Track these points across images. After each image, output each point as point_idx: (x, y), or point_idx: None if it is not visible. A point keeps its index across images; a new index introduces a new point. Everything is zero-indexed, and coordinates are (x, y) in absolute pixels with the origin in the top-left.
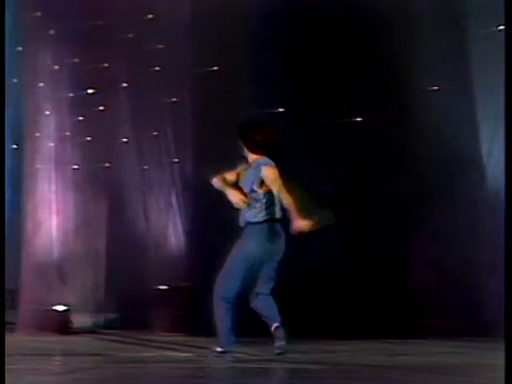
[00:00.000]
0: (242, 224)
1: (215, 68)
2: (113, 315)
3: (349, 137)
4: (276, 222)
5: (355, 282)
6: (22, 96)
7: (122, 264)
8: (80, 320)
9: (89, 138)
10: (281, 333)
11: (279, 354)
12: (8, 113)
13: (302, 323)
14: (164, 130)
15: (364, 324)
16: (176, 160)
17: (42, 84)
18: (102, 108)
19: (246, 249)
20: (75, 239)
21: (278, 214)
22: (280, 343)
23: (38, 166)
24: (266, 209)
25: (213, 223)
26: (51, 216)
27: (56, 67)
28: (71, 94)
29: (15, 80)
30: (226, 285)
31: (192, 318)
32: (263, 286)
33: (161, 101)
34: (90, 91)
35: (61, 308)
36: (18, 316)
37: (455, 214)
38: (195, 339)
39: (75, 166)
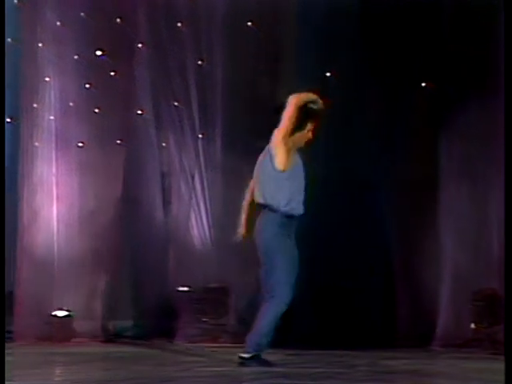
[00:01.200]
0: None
1: (249, 23)
2: (125, 322)
3: None
4: None
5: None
6: (18, 58)
7: (137, 262)
8: (84, 327)
9: (97, 110)
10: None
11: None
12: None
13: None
14: (187, 100)
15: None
16: (201, 135)
17: (40, 44)
18: (112, 73)
19: None
20: (80, 232)
21: None
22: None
23: (36, 143)
24: None
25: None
26: (51, 203)
27: (58, 23)
28: (76, 56)
29: (9, 39)
30: None
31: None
32: None
33: (184, 64)
34: (98, 53)
35: (62, 313)
36: (14, 323)
37: None
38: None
39: (80, 144)
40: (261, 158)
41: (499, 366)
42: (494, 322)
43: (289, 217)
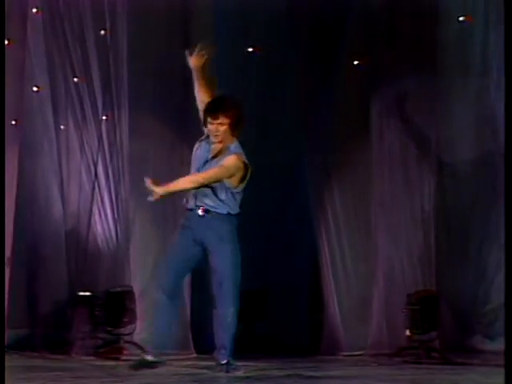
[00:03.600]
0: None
1: None
2: (20, 331)
3: None
4: None
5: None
6: None
7: (31, 266)
8: None
9: None
10: None
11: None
12: None
13: None
14: (89, 74)
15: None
16: (104, 117)
17: None
18: (5, 42)
19: None
20: None
21: None
22: None
23: None
24: None
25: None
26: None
27: None
28: None
29: None
30: None
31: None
32: None
33: (85, 31)
34: None
35: None
36: None
37: None
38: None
39: None
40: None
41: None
42: (430, 328)
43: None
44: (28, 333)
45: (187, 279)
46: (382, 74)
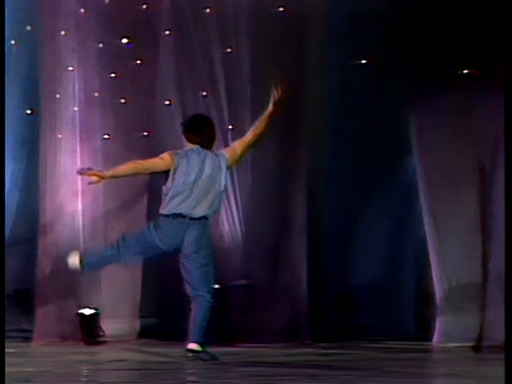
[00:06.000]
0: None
1: (281, 9)
2: (152, 321)
3: None
4: None
5: None
6: (38, 47)
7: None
8: (111, 326)
9: (122, 101)
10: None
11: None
12: (21, 70)
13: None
14: (216, 89)
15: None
16: (230, 127)
17: (63, 32)
18: (138, 62)
19: None
20: (105, 228)
21: None
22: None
23: (59, 135)
24: None
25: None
26: (76, 198)
27: (82, 10)
28: (100, 45)
29: (28, 28)
30: None
31: (249, 323)
32: None
33: (211, 52)
34: (124, 40)
35: (88, 312)
36: (34, 322)
37: None
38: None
39: (106, 136)
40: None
41: None
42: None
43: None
44: (157, 322)
45: None
46: (492, 82)
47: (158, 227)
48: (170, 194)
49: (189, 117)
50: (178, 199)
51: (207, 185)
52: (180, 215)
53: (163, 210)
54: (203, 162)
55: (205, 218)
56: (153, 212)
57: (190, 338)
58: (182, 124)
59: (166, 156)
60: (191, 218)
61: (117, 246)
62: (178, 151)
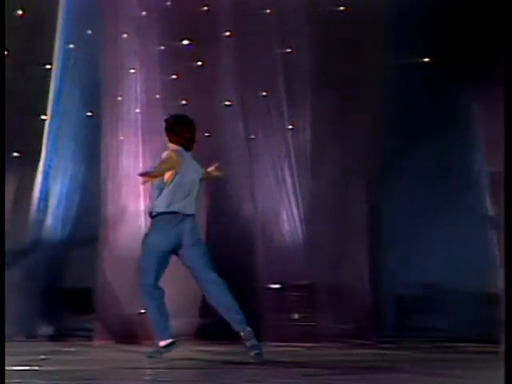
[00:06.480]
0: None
1: (341, 8)
2: (209, 320)
3: None
4: None
5: None
6: (99, 50)
7: (225, 257)
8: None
9: (183, 102)
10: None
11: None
12: (81, 73)
13: None
14: (276, 89)
15: None
16: (291, 127)
17: (125, 35)
18: (199, 63)
19: None
20: None
21: None
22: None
23: (121, 137)
24: None
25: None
26: (138, 199)
27: (143, 13)
28: (162, 47)
29: (89, 31)
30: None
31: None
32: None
33: (272, 52)
34: (185, 42)
35: None
36: (96, 321)
37: None
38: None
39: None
40: None
41: None
42: None
43: None
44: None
45: None
46: None
47: (154, 227)
48: (166, 192)
49: (174, 116)
50: (174, 197)
51: (195, 185)
52: (176, 212)
53: (159, 208)
54: (193, 162)
55: (194, 215)
56: (214, 212)
57: (236, 327)
58: (166, 121)
59: (174, 155)
60: (184, 215)
61: (149, 297)
62: (178, 150)
